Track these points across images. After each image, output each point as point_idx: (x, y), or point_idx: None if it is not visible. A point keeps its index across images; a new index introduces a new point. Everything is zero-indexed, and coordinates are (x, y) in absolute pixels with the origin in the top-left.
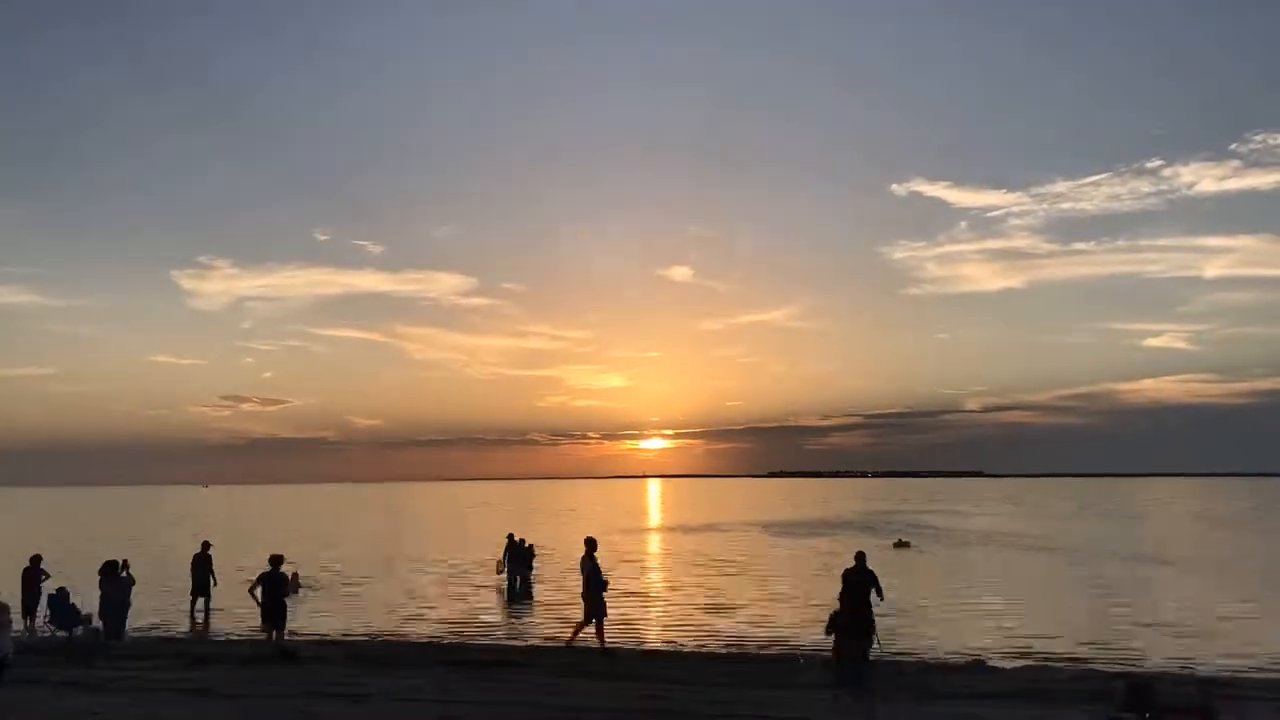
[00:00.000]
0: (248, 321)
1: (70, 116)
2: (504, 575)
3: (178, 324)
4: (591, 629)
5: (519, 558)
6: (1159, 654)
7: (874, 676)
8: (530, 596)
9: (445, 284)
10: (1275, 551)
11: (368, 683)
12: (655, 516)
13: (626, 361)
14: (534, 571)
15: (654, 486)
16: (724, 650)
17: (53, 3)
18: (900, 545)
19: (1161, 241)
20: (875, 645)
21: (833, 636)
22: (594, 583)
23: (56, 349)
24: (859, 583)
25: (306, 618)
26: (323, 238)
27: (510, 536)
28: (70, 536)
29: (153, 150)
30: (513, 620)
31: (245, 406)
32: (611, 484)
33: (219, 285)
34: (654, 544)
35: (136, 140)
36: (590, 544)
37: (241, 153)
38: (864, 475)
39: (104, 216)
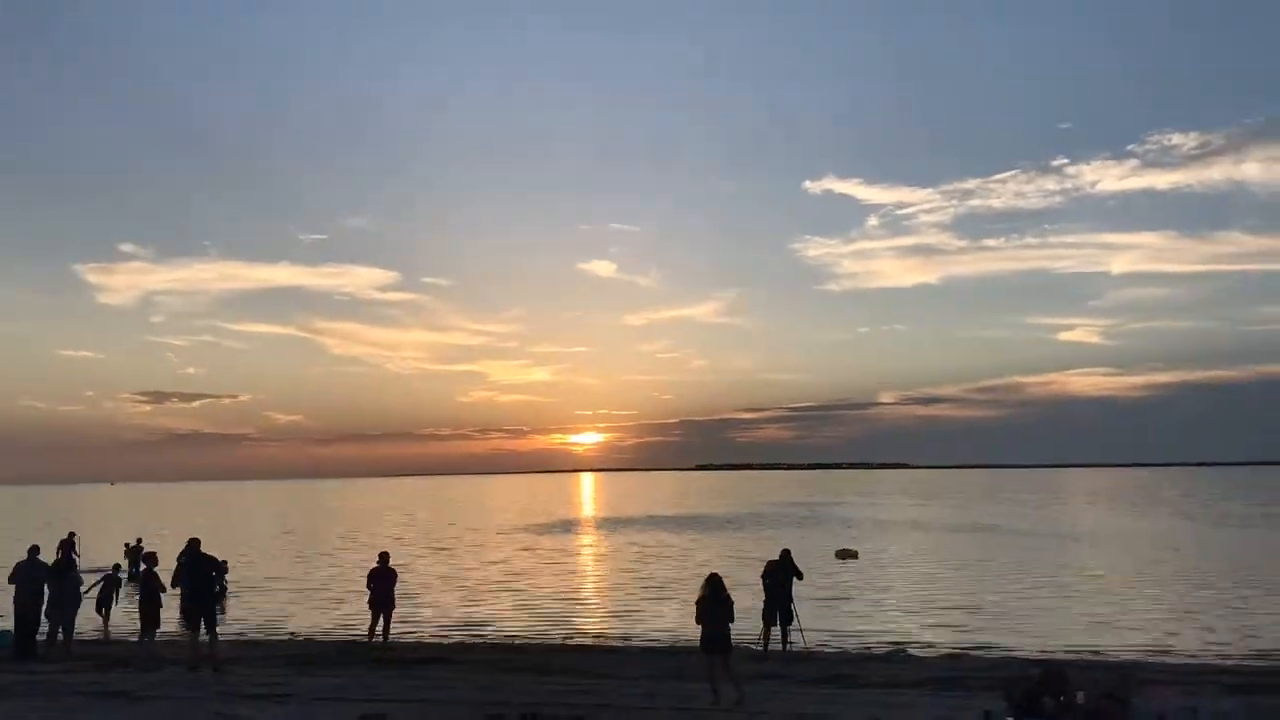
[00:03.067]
0: (159, 316)
1: None
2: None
3: (85, 318)
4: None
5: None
6: (1074, 640)
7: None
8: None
9: (364, 278)
10: (1202, 540)
11: (288, 683)
12: (588, 508)
13: (552, 356)
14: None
15: (585, 480)
16: (647, 645)
17: None
18: (845, 555)
19: (1069, 238)
20: (798, 634)
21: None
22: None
23: None
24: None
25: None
26: (234, 230)
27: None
28: None
29: (58, 137)
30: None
31: (162, 403)
32: (540, 479)
33: (127, 279)
34: (579, 539)
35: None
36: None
37: (151, 141)
38: (790, 468)
39: (2, 206)
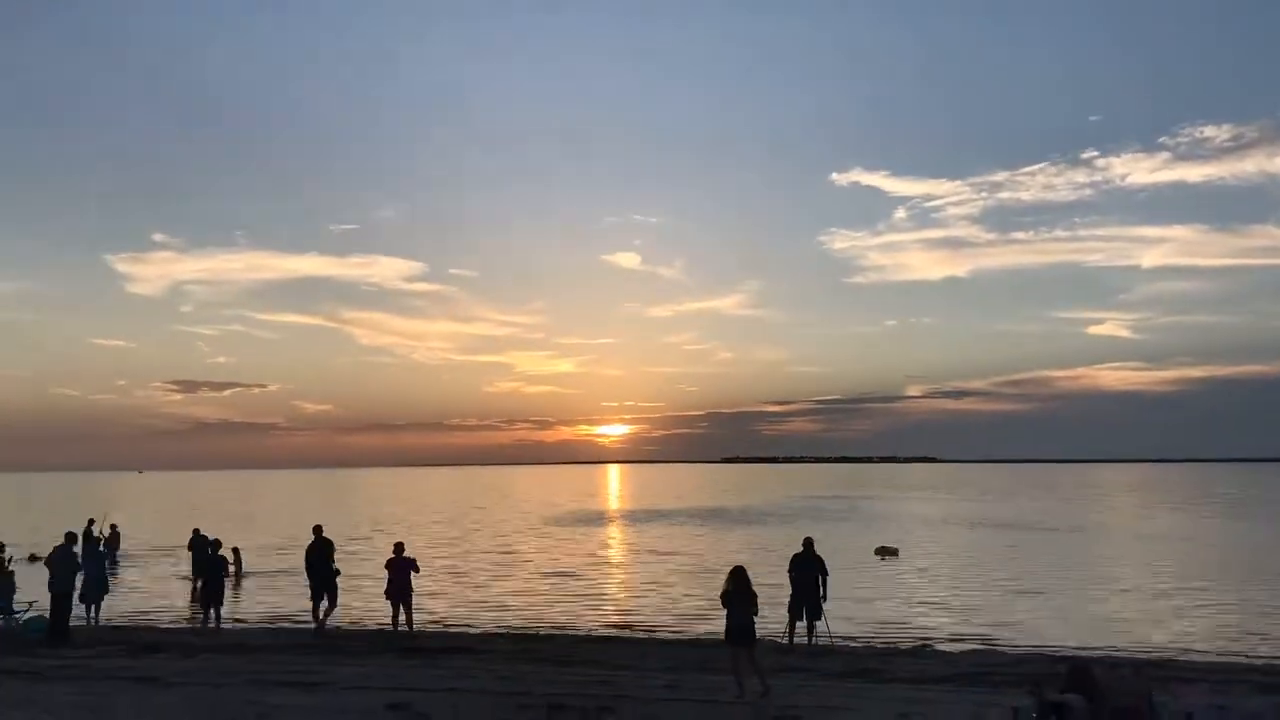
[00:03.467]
0: (188, 305)
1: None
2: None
3: (116, 308)
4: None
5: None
6: (1102, 637)
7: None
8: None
9: (391, 268)
10: (1237, 537)
11: (316, 671)
12: (614, 500)
13: (577, 348)
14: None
15: (610, 472)
16: (671, 636)
17: None
18: (884, 552)
19: (1099, 231)
20: (825, 628)
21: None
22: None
23: None
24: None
25: (254, 602)
26: (262, 221)
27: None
28: None
29: (87, 129)
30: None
31: (193, 393)
32: (566, 470)
33: (157, 269)
34: (602, 532)
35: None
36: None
37: (179, 133)
38: (816, 461)
39: (37, 200)
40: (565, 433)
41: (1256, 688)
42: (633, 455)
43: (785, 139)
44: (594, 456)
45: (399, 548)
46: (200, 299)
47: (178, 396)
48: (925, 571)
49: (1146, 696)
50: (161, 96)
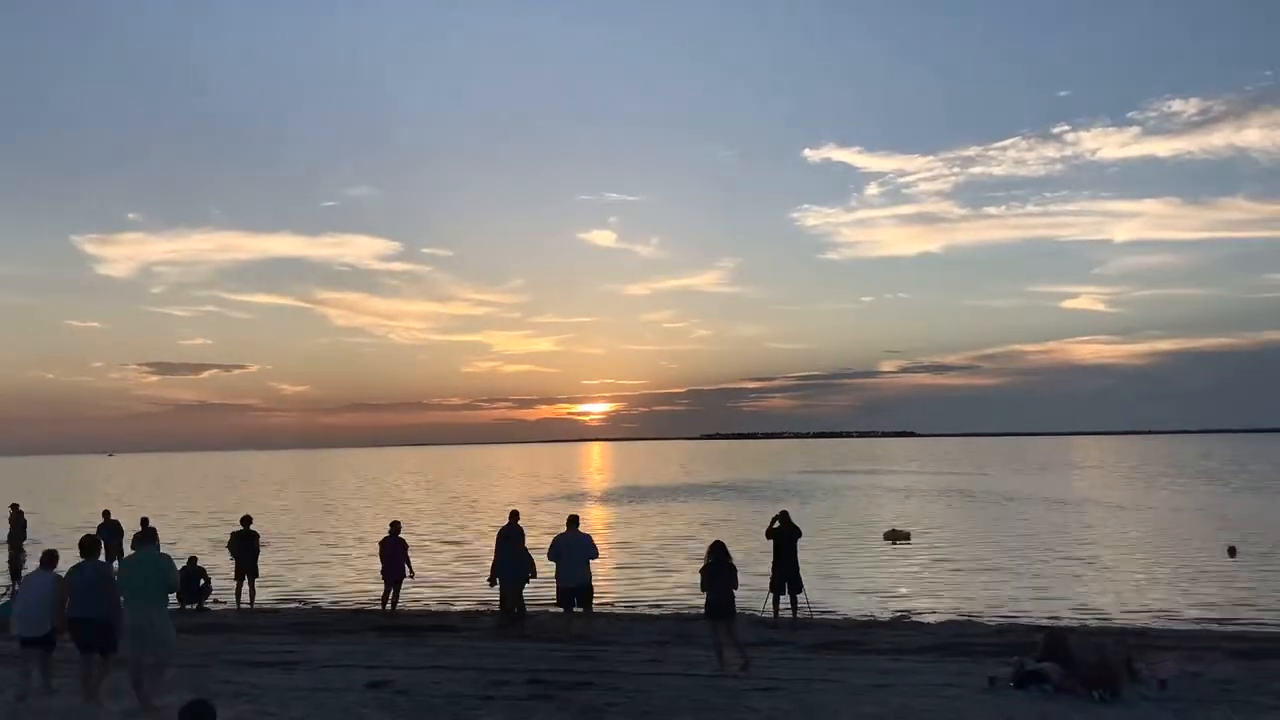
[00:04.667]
0: (158, 287)
1: None
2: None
3: (85, 289)
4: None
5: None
6: (1081, 606)
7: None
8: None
9: (365, 248)
10: (1217, 507)
11: (296, 650)
12: (595, 477)
13: (555, 326)
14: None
15: (592, 450)
16: (652, 611)
17: None
18: (895, 537)
19: (1071, 206)
20: (805, 601)
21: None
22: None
23: None
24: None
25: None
26: (234, 200)
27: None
28: None
29: (57, 108)
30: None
31: (170, 375)
32: (547, 448)
33: (126, 250)
34: (603, 507)
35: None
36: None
37: (149, 111)
38: (796, 436)
39: (4, 182)
40: (545, 411)
41: (1229, 654)
42: (613, 433)
43: (758, 115)
44: (575, 435)
45: (394, 527)
46: (171, 280)
47: (154, 379)
48: (917, 545)
49: (1126, 662)
50: (133, 75)
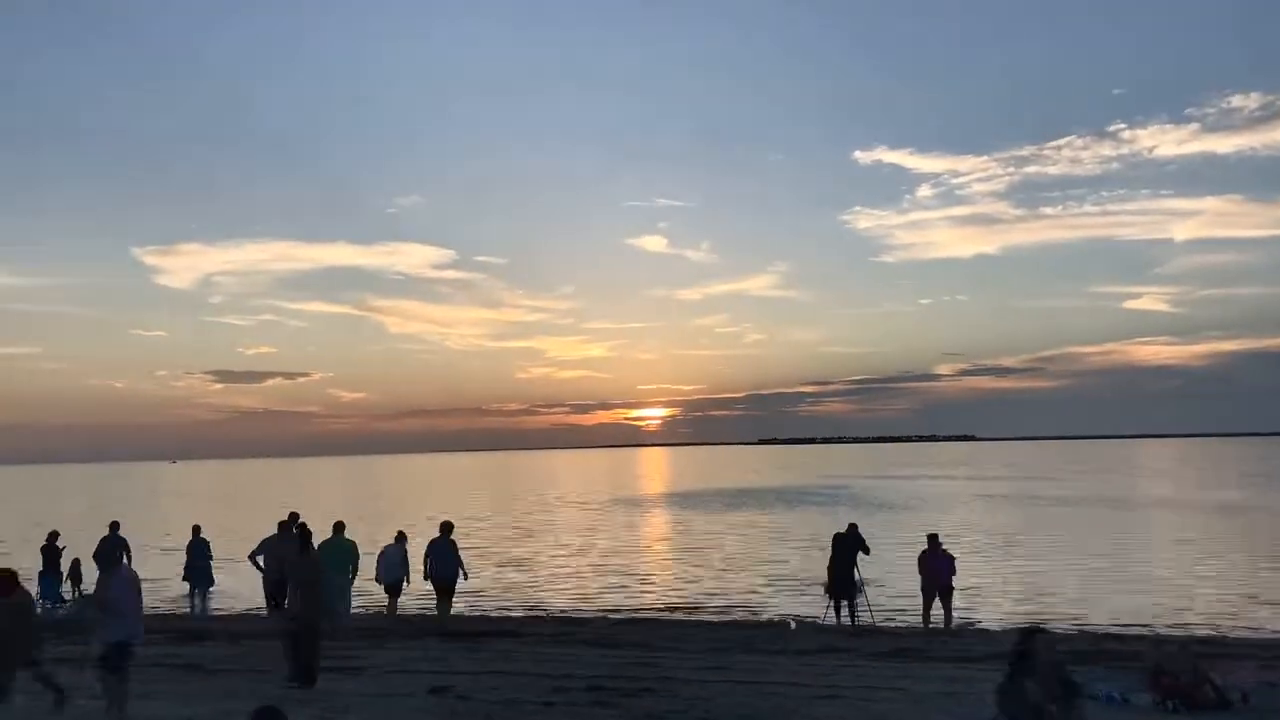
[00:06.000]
0: (217, 297)
1: (28, 101)
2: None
3: (147, 300)
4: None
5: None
6: (1150, 614)
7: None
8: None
9: (419, 256)
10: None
11: (361, 655)
12: (654, 482)
13: (608, 332)
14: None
15: (649, 456)
16: (713, 618)
17: None
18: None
19: (1130, 205)
20: (865, 607)
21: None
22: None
23: (40, 328)
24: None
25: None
26: (289, 211)
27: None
28: None
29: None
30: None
31: (233, 383)
32: (604, 454)
33: (185, 261)
34: (642, 516)
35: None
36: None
37: (204, 126)
38: (854, 441)
39: (68, 196)
40: (602, 416)
41: None
42: (670, 438)
43: (807, 118)
44: (632, 440)
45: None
46: (230, 290)
47: (217, 386)
48: (975, 550)
49: (1207, 677)
50: (189, 91)
